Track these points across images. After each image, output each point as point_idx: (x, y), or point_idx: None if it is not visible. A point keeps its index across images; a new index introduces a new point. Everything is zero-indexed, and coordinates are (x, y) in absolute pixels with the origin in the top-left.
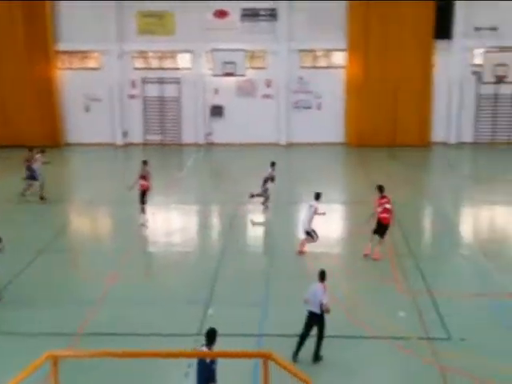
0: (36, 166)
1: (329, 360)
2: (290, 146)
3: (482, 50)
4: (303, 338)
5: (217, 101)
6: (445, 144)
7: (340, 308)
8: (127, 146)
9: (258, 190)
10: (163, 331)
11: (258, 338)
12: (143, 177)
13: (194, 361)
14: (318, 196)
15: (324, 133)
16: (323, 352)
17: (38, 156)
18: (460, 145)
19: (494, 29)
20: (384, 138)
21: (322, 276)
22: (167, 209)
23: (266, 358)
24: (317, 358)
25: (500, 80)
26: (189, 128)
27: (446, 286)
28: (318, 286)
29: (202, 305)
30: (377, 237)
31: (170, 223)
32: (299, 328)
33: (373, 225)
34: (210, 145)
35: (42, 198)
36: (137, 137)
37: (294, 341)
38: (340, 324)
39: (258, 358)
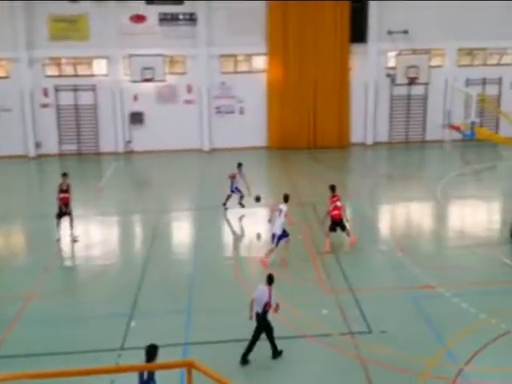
0: None
1: (255, 361)
2: (214, 151)
3: (394, 53)
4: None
5: (136, 107)
6: (363, 144)
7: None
8: (41, 157)
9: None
10: (85, 348)
11: (183, 346)
12: (64, 190)
13: (117, 376)
14: (286, 198)
15: (247, 137)
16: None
17: None
18: (376, 145)
19: (405, 32)
20: (305, 141)
21: (269, 279)
22: (87, 221)
23: (189, 366)
24: (244, 360)
25: (412, 81)
26: (107, 136)
27: (367, 281)
28: (264, 288)
29: (125, 317)
30: (332, 233)
31: (90, 236)
32: (224, 334)
33: (328, 223)
34: (130, 153)
35: None
36: (51, 147)
37: (219, 347)
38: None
39: (181, 367)
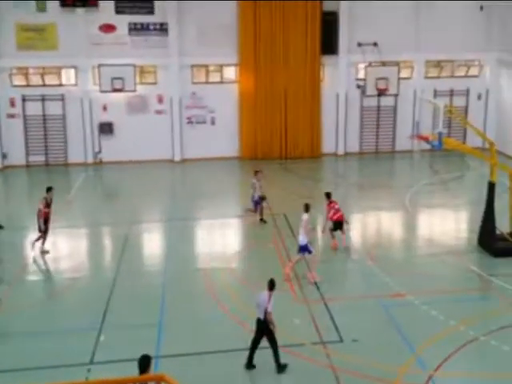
0: None
1: (226, 374)
2: (185, 161)
3: (364, 65)
4: (254, 344)
5: (105, 118)
6: (334, 155)
7: (235, 321)
8: (7, 168)
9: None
10: (53, 363)
11: (155, 360)
12: (48, 204)
13: None
14: (307, 208)
15: (219, 147)
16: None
17: None
18: (348, 155)
19: (374, 44)
20: (277, 151)
21: (270, 285)
22: (55, 234)
23: (159, 380)
24: (279, 367)
25: (381, 93)
26: (76, 147)
27: (338, 290)
28: (265, 293)
29: (95, 331)
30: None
31: (58, 249)
32: (196, 347)
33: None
34: (100, 164)
35: None
36: (18, 158)
37: (191, 360)
38: (236, 337)
39: (151, 381)
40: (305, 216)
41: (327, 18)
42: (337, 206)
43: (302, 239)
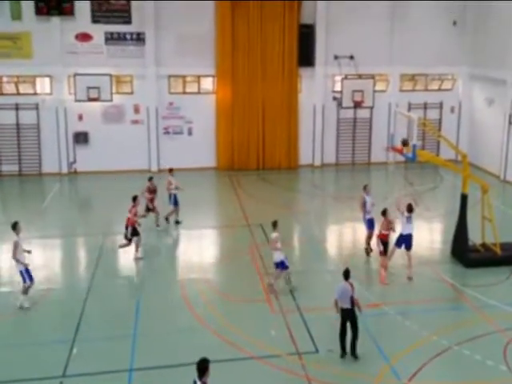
0: None
1: None
2: (162, 172)
3: (341, 77)
4: (343, 335)
5: (81, 127)
6: (311, 166)
7: (211, 332)
8: None
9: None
10: (25, 376)
11: (129, 372)
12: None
13: None
14: (274, 225)
15: (196, 158)
16: None
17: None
18: (324, 166)
19: (351, 57)
20: (254, 162)
21: (347, 274)
22: (28, 244)
23: None
24: (355, 352)
25: (357, 105)
26: (50, 156)
27: (314, 301)
28: (344, 284)
29: (67, 344)
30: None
31: (31, 260)
32: (171, 359)
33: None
34: (75, 174)
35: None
36: None
37: (166, 373)
38: (212, 348)
39: None
40: (273, 235)
41: (304, 30)
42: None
43: (277, 256)
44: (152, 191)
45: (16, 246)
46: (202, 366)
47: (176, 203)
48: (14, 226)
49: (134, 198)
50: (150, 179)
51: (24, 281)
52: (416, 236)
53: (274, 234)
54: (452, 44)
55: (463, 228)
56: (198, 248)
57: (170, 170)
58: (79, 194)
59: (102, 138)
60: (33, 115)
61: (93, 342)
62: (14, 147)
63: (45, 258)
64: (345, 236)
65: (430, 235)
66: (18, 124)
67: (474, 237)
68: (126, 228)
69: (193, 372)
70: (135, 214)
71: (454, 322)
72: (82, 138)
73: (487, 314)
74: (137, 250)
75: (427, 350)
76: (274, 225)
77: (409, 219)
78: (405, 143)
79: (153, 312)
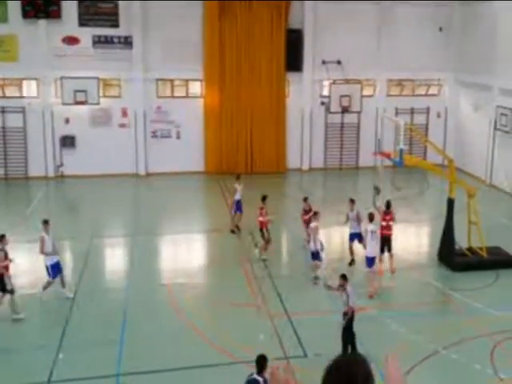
0: None
1: None
2: (150, 176)
3: (328, 82)
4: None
5: (67, 131)
6: (299, 170)
7: (199, 337)
8: None
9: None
10: (10, 381)
11: (116, 378)
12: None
13: None
14: (316, 214)
15: (184, 162)
16: None
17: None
18: (312, 170)
19: (338, 62)
20: (242, 166)
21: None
22: (13, 248)
23: None
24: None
25: (345, 110)
26: (36, 160)
27: (302, 305)
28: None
29: (53, 350)
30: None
31: (15, 264)
32: (159, 364)
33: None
34: (61, 177)
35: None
36: None
37: (153, 377)
38: (200, 353)
39: None
40: (313, 224)
41: (292, 35)
42: (391, 223)
43: (313, 246)
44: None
45: (43, 241)
46: (262, 363)
47: (239, 209)
48: (46, 222)
49: (264, 198)
50: (305, 199)
51: (48, 275)
52: (403, 240)
53: (314, 224)
54: (438, 50)
55: (450, 232)
56: (186, 252)
57: (238, 177)
58: (66, 197)
59: (89, 142)
60: (19, 118)
61: (79, 347)
62: None
63: (29, 263)
64: (332, 239)
65: (417, 239)
66: (3, 127)
67: (461, 241)
68: (261, 230)
69: (180, 377)
70: (266, 214)
71: (441, 326)
72: (68, 141)
73: (474, 318)
74: (265, 249)
75: (414, 353)
76: (316, 214)
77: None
78: (376, 190)
79: (140, 316)
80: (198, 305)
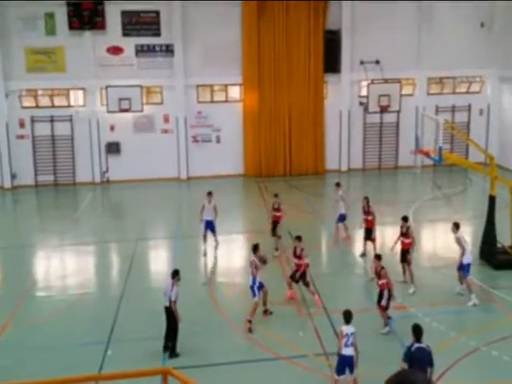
0: None
1: None
2: (191, 180)
3: (367, 82)
4: None
5: (113, 137)
6: (338, 171)
7: (240, 334)
8: (16, 188)
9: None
10: (61, 376)
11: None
12: None
13: None
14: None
15: (224, 165)
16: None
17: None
18: (351, 171)
19: (377, 62)
20: (281, 168)
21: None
22: (62, 251)
23: (165, 373)
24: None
25: (384, 109)
26: (83, 166)
27: (341, 303)
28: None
29: (102, 345)
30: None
31: (65, 265)
32: (201, 359)
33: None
34: (107, 183)
35: None
36: (27, 178)
37: (195, 371)
38: (243, 349)
39: (158, 374)
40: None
41: (330, 36)
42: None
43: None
44: None
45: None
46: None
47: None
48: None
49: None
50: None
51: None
52: (445, 239)
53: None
54: (480, 46)
55: (491, 230)
56: (227, 253)
57: (337, 184)
58: (111, 202)
59: (133, 148)
60: (67, 127)
61: (126, 344)
62: (49, 158)
63: (79, 264)
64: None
65: None
66: (52, 135)
67: (503, 239)
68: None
69: (224, 372)
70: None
71: (482, 323)
72: (114, 147)
73: None
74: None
75: (455, 350)
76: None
77: None
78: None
79: (183, 314)
80: (237, 303)
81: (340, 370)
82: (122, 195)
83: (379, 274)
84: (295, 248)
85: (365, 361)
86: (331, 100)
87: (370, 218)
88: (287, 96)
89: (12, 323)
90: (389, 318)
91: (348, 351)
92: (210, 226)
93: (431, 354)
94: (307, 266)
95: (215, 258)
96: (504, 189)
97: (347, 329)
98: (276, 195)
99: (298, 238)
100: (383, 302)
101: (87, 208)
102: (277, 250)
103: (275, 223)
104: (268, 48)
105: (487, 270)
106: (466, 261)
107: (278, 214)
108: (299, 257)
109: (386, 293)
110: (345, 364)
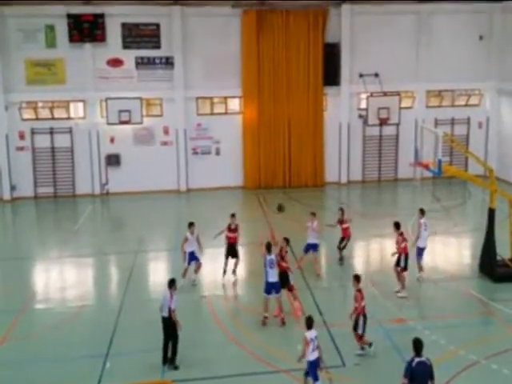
0: None
1: None
2: (190, 191)
3: (366, 95)
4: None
5: (113, 149)
6: (337, 183)
7: (239, 346)
8: (16, 200)
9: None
10: None
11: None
12: None
13: None
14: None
15: (223, 177)
16: None
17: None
18: (350, 183)
19: (376, 75)
20: (281, 180)
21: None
22: (62, 263)
23: None
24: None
25: (383, 122)
26: (83, 178)
27: (340, 315)
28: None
29: (100, 358)
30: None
31: (64, 278)
32: (200, 371)
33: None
34: (107, 195)
35: None
36: (26, 190)
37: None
38: (241, 362)
39: None
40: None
41: (329, 49)
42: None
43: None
44: None
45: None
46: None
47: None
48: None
49: (397, 225)
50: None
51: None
52: (444, 251)
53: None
54: (479, 59)
55: (491, 243)
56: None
57: (313, 214)
58: (111, 214)
59: (132, 160)
60: (67, 139)
61: (124, 357)
62: (48, 170)
63: (78, 276)
64: (372, 252)
65: (458, 251)
66: (52, 147)
67: (503, 252)
68: (400, 257)
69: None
70: (402, 241)
71: (481, 337)
72: (113, 159)
73: None
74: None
75: (455, 363)
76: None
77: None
78: (280, 208)
79: (184, 325)
80: (236, 315)
81: (316, 377)
82: (121, 207)
83: (354, 296)
84: (281, 248)
85: (364, 376)
86: (331, 112)
87: (344, 226)
88: (287, 108)
89: (11, 335)
90: (370, 344)
91: (314, 355)
92: (194, 257)
93: (432, 367)
94: (288, 269)
95: (214, 270)
96: (503, 201)
97: (310, 334)
98: (233, 215)
99: (286, 240)
100: (359, 331)
101: (87, 220)
102: (225, 273)
103: (231, 245)
104: (268, 60)
105: (487, 282)
106: (421, 244)
107: (233, 235)
108: (283, 258)
109: (361, 321)
110: (315, 368)
